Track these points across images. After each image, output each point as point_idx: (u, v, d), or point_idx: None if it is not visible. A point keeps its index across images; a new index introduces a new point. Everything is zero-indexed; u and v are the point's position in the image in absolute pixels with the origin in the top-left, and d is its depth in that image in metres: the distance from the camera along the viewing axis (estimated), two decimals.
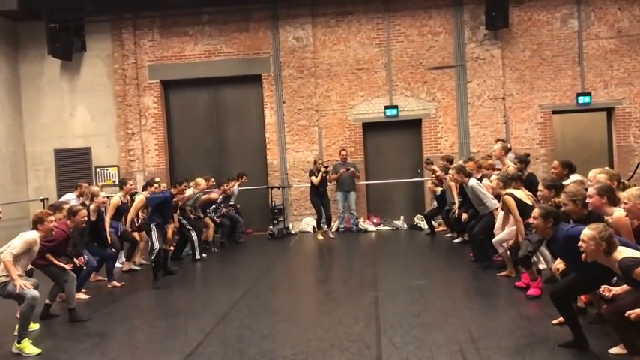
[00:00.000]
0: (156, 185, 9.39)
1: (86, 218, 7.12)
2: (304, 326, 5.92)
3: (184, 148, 14.17)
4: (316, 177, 12.11)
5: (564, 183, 6.76)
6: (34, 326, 6.16)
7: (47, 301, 6.72)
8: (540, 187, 6.40)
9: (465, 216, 9.10)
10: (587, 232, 4.25)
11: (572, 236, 4.55)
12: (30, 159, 13.94)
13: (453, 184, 9.90)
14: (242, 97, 14.19)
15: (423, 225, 12.87)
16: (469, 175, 8.52)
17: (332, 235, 12.37)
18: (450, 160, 11.24)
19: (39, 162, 13.99)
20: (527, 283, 6.72)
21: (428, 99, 13.42)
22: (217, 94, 14.22)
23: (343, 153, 12.83)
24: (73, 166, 13.76)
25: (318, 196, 12.24)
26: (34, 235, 5.85)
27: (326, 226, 12.65)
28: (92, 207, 7.99)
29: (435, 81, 13.38)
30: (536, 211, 4.99)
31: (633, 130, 13.00)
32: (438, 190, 11.56)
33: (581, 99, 12.98)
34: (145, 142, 13.94)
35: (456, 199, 9.93)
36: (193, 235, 10.04)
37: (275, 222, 13.14)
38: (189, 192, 9.82)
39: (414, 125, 13.54)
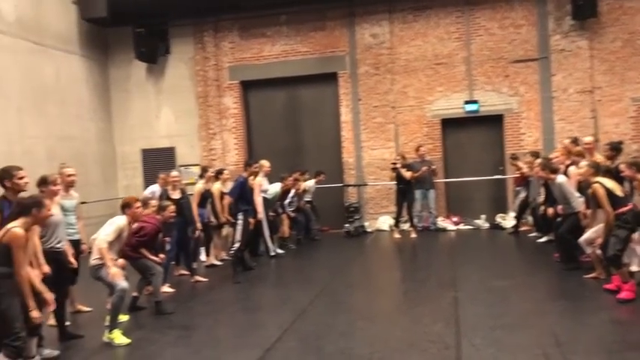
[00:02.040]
0: (226, 172, 9.84)
1: (175, 214, 7.41)
2: (382, 325, 5.88)
3: (262, 147, 14.42)
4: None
5: None
6: (124, 317, 6.46)
7: (135, 294, 7.04)
8: (622, 167, 6.01)
9: (550, 210, 8.64)
10: None
11: None
12: (119, 158, 14.65)
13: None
14: (318, 95, 14.28)
15: (505, 224, 12.45)
16: (555, 171, 8.14)
17: (414, 235, 11.99)
18: (537, 156, 10.77)
19: (127, 161, 14.69)
20: (619, 286, 6.33)
21: (510, 93, 12.96)
22: (294, 93, 14.39)
23: (421, 150, 12.60)
24: (159, 164, 14.29)
25: (400, 193, 12.02)
26: (123, 221, 6.07)
27: (409, 225, 12.30)
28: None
29: (517, 75, 12.90)
30: None
31: None
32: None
33: None
34: (226, 142, 14.32)
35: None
36: (265, 231, 10.13)
37: (351, 220, 13.13)
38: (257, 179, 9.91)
39: (495, 121, 13.12)
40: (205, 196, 9.39)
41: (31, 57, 11.92)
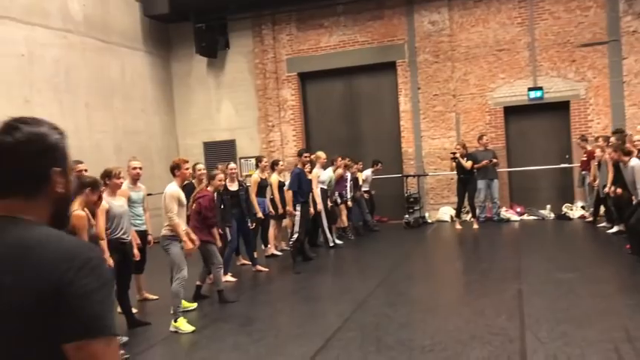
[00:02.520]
0: (281, 163, 9.98)
1: (223, 182, 7.50)
2: (443, 317, 5.80)
3: (321, 139, 14.47)
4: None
5: None
6: (192, 305, 6.66)
7: (198, 283, 7.23)
8: None
9: (619, 190, 8.22)
10: None
11: None
12: (182, 151, 15.03)
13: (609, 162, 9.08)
14: (376, 85, 14.17)
15: (572, 214, 12.01)
16: (629, 154, 7.76)
17: (476, 226, 11.71)
18: (607, 140, 10.31)
19: (190, 154, 15.00)
20: None
21: (576, 79, 12.45)
22: (352, 84, 14.34)
23: (484, 139, 12.30)
24: (220, 157, 14.62)
25: (460, 183, 11.80)
26: (174, 187, 6.15)
27: (470, 216, 12.08)
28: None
29: (584, 59, 12.37)
30: None
31: None
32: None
33: None
34: (284, 134, 14.45)
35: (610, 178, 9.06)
36: (324, 222, 10.19)
37: (411, 211, 12.99)
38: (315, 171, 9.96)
39: (560, 107, 12.64)
40: (262, 185, 9.51)
41: (98, 54, 12.38)
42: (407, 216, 12.79)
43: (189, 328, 5.90)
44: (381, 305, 6.34)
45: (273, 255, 9.85)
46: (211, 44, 14.29)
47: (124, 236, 5.79)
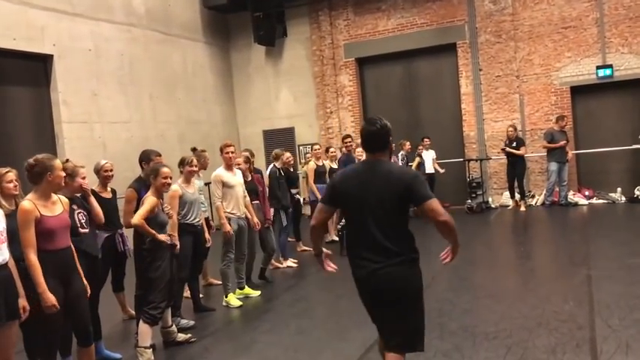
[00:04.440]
0: (332, 150, 10.01)
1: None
2: (507, 303, 5.67)
3: None
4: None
5: None
6: (255, 293, 6.79)
7: (262, 266, 7.41)
8: None
9: None
10: None
11: None
12: (242, 140, 15.27)
13: None
14: (436, 68, 13.91)
15: None
16: None
17: (523, 208, 12.04)
18: None
19: (250, 142, 15.25)
20: None
21: None
22: (411, 68, 14.12)
23: (564, 121, 11.94)
24: (280, 144, 14.74)
25: (510, 165, 12.19)
26: (216, 172, 6.52)
27: (520, 197, 12.28)
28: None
29: None
30: None
31: None
32: None
33: None
34: (343, 120, 14.42)
35: None
36: None
37: (473, 196, 12.73)
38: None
39: (633, 86, 12.01)
40: (320, 172, 9.55)
41: (160, 47, 12.71)
42: (469, 201, 12.55)
43: (237, 302, 6.38)
44: (444, 291, 6.26)
45: (333, 241, 9.86)
46: (269, 33, 14.40)
47: (195, 221, 5.96)
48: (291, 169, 8.97)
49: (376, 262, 3.14)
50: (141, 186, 5.47)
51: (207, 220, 6.88)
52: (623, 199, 11.85)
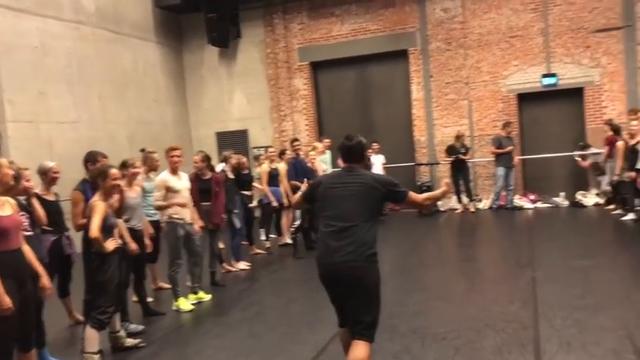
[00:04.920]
0: (288, 152, 9.87)
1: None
2: (456, 304, 5.81)
3: (333, 128, 14.42)
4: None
5: None
6: (206, 297, 6.71)
7: (210, 270, 7.32)
8: None
9: (633, 174, 8.10)
10: None
11: None
12: (195, 141, 15.08)
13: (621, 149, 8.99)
14: (388, 73, 14.11)
15: (586, 202, 11.94)
16: None
17: (473, 210, 12.49)
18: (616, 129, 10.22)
19: (203, 144, 15.04)
20: None
21: (591, 65, 12.31)
22: (364, 73, 14.28)
23: (510, 127, 12.30)
24: (233, 147, 14.58)
25: (456, 169, 12.49)
26: (160, 176, 6.46)
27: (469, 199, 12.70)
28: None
29: (599, 45, 12.21)
30: None
31: None
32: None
33: None
34: (297, 123, 14.45)
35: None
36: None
37: None
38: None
39: (574, 94, 12.51)
40: (273, 175, 9.52)
41: (111, 46, 12.44)
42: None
43: (189, 306, 6.28)
44: (395, 293, 6.35)
45: (286, 244, 9.87)
46: (223, 34, 14.29)
47: (136, 226, 5.83)
48: (245, 172, 8.91)
49: (341, 250, 3.49)
50: (86, 187, 5.35)
51: (158, 222, 6.77)
52: (566, 203, 12.31)
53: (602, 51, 12.21)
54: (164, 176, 6.38)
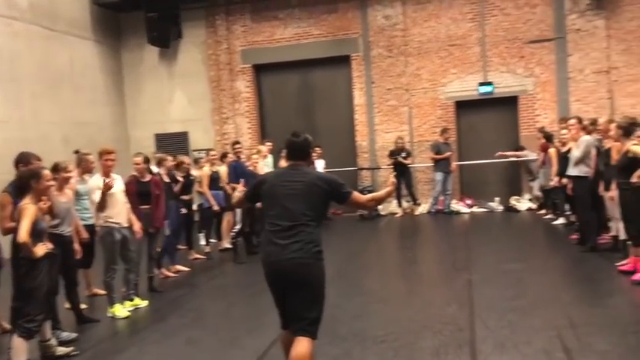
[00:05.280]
0: (230, 155, 9.78)
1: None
2: (395, 307, 5.90)
3: (276, 131, 14.35)
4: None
5: None
6: (143, 303, 6.52)
7: (148, 275, 7.14)
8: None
9: (564, 180, 8.46)
10: None
11: None
12: (133, 143, 14.69)
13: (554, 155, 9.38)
14: (331, 78, 14.21)
15: (520, 207, 12.39)
16: (584, 129, 8.00)
17: (417, 213, 12.80)
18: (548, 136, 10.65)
19: (141, 146, 14.61)
20: (635, 267, 6.28)
21: (525, 74, 12.80)
22: (307, 77, 14.33)
23: (447, 133, 12.62)
24: (172, 149, 14.31)
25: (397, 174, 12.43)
26: (92, 180, 6.32)
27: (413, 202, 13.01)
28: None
29: (532, 55, 12.73)
30: None
31: None
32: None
33: None
34: (239, 126, 14.33)
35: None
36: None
37: None
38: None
39: (509, 102, 12.98)
40: (214, 178, 9.40)
41: (45, 43, 11.97)
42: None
43: (124, 313, 6.09)
44: (336, 297, 6.37)
45: (227, 249, 9.74)
46: (163, 34, 14.01)
47: (65, 232, 5.59)
48: (185, 175, 8.74)
49: (287, 247, 3.49)
50: (16, 190, 5.11)
51: (92, 226, 6.55)
52: (501, 208, 12.73)
53: (535, 61, 12.72)
54: (97, 180, 6.17)
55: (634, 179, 5.98)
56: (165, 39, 14.10)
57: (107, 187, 5.87)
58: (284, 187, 3.64)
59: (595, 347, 4.40)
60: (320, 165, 12.69)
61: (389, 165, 12.88)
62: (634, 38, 12.20)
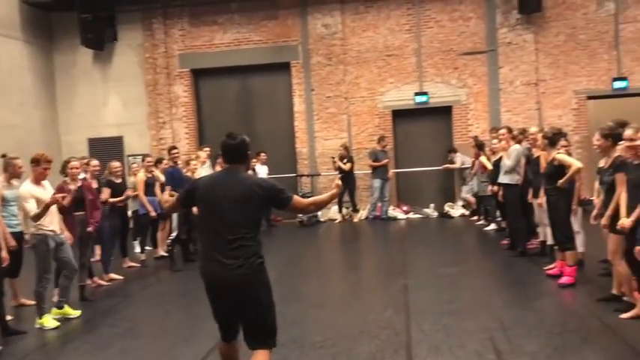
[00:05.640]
0: (165, 161, 9.59)
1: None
2: (334, 313, 5.94)
3: (215, 137, 14.14)
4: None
5: None
6: (75, 313, 6.27)
7: (79, 284, 6.87)
8: (597, 136, 5.80)
9: (495, 188, 8.76)
10: None
11: None
12: (65, 148, 14.17)
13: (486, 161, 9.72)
14: (271, 85, 14.20)
15: (453, 213, 12.76)
16: (514, 138, 8.27)
17: (356, 220, 12.93)
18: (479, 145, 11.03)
19: (73, 151, 14.13)
20: (561, 271, 6.58)
21: (459, 85, 13.23)
22: (247, 83, 14.26)
23: (384, 141, 12.83)
24: (107, 154, 13.92)
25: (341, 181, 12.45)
26: (24, 187, 6.00)
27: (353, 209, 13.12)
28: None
29: (466, 67, 13.17)
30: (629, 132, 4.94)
31: None
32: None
33: (617, 84, 12.62)
34: (176, 131, 14.08)
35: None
36: None
37: None
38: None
39: (444, 112, 13.38)
40: (150, 184, 9.18)
41: None
42: (300, 215, 12.91)
43: (53, 323, 5.86)
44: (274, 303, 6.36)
45: (163, 256, 9.52)
46: (98, 36, 13.61)
47: None
48: (119, 180, 8.50)
49: (229, 264, 3.34)
50: None
51: (20, 234, 6.27)
52: (436, 214, 13.07)
53: (468, 72, 13.17)
54: (28, 187, 5.91)
55: (559, 184, 6.29)
56: (100, 41, 13.70)
57: (54, 202, 5.62)
58: (220, 194, 3.41)
59: (524, 348, 4.58)
60: (263, 171, 12.67)
61: (335, 171, 12.90)
62: (560, 52, 12.85)
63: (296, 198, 3.60)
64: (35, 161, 6.01)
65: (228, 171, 3.57)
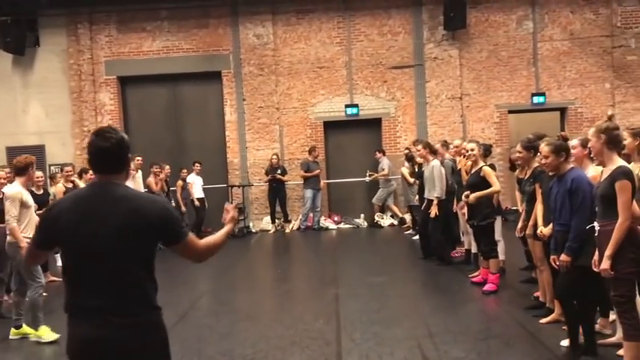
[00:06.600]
0: (90, 173, 9.26)
1: None
2: (264, 325, 5.91)
3: (143, 146, 13.78)
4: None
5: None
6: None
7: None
8: (518, 147, 6.06)
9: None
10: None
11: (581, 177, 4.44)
12: None
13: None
14: (202, 94, 14.03)
15: (383, 222, 13.02)
16: (434, 153, 8.44)
17: (288, 230, 13.04)
18: (410, 158, 11.34)
19: None
20: (485, 279, 6.84)
21: (387, 98, 13.55)
22: (176, 91, 14.03)
23: (315, 152, 12.97)
24: None
25: (273, 191, 12.92)
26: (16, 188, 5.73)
27: (284, 219, 13.22)
28: None
29: (394, 80, 13.52)
30: (545, 148, 4.67)
31: (585, 129, 13.36)
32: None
33: (535, 99, 13.33)
34: None
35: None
36: None
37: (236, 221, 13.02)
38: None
39: (374, 124, 13.65)
40: None
41: None
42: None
43: (54, 335, 5.50)
44: (204, 316, 6.28)
45: None
46: (18, 40, 13.00)
47: None
48: (40, 192, 8.14)
49: (109, 322, 2.31)
50: None
51: None
52: (366, 224, 13.29)
53: (397, 86, 13.52)
54: (18, 189, 5.65)
55: (470, 199, 6.57)
56: (21, 45, 13.10)
57: None
58: (93, 221, 2.33)
59: (451, 354, 4.73)
60: (198, 182, 12.49)
61: (265, 182, 12.97)
62: (483, 68, 13.42)
63: (192, 237, 2.57)
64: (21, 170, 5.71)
65: (99, 186, 2.46)
